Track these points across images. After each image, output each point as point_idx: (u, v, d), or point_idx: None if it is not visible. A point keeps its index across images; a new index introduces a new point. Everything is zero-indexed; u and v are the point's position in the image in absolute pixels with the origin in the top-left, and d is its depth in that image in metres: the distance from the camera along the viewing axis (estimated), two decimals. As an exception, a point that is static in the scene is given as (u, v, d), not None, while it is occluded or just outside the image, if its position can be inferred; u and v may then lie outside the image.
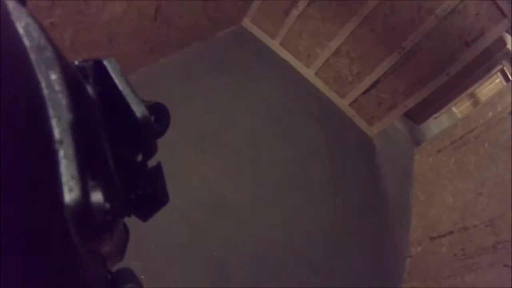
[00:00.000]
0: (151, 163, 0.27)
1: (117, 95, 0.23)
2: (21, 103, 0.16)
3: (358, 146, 2.86)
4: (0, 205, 0.13)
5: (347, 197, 2.46)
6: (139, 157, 0.26)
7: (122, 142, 0.24)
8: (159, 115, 0.28)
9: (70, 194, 0.17)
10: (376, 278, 2.17)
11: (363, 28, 2.47)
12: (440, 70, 2.33)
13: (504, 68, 4.51)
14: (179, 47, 2.13)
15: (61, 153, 0.17)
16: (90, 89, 0.23)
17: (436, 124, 4.77)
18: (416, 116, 4.25)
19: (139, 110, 0.24)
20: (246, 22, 2.81)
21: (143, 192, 0.26)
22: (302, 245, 1.96)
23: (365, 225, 2.41)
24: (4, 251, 0.13)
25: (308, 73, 2.75)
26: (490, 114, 2.33)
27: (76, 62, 0.23)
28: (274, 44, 2.79)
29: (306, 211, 2.12)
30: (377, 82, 2.57)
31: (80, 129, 0.19)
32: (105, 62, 0.23)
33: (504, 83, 4.88)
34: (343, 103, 2.74)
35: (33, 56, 0.18)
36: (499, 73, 4.90)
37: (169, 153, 1.62)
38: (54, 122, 0.17)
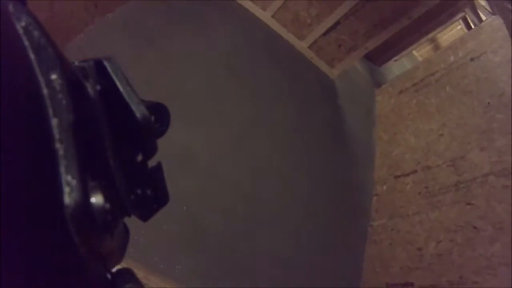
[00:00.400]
0: (151, 163, 0.27)
1: (117, 95, 0.23)
2: (21, 103, 0.16)
3: (320, 88, 2.80)
4: None
5: (312, 139, 2.44)
6: (139, 157, 0.26)
7: (122, 142, 0.24)
8: (159, 115, 0.28)
9: (70, 195, 0.17)
10: (346, 218, 2.23)
11: None
12: (402, 13, 2.29)
13: (466, 15, 4.48)
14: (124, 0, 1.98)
15: (61, 153, 0.17)
16: (90, 89, 0.23)
17: (397, 67, 4.71)
18: (377, 58, 4.16)
19: (139, 110, 0.24)
20: (200, -33, 2.65)
21: (143, 192, 0.26)
22: (272, 192, 1.96)
23: (332, 166, 2.42)
24: (4, 251, 0.13)
25: (265, 15, 2.63)
26: (452, 58, 2.35)
27: (76, 62, 0.23)
28: (228, -11, 2.65)
29: (272, 158, 2.10)
30: (337, 23, 2.51)
31: (80, 129, 0.19)
32: (105, 62, 0.23)
33: (466, 30, 4.81)
34: (302, 46, 2.66)
35: (32, 56, 0.18)
36: (460, 20, 4.86)
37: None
38: (54, 122, 0.17)
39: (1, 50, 0.15)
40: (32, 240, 0.15)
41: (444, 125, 2.15)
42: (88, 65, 0.23)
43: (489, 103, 1.94)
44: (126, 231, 0.28)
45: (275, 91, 2.44)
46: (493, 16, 2.26)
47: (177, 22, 2.26)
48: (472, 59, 2.20)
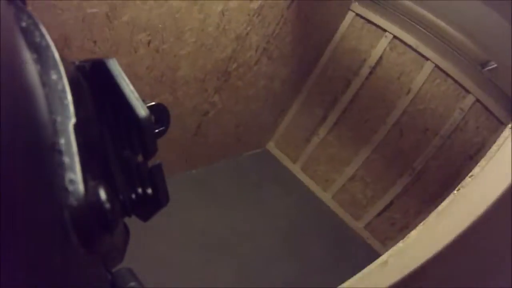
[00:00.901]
0: (152, 163, 0.27)
1: (118, 96, 0.23)
2: (22, 103, 0.16)
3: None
4: (0, 206, 0.13)
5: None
6: (140, 157, 0.26)
7: (122, 142, 0.24)
8: (160, 116, 0.28)
9: (70, 194, 0.17)
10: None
11: (376, 153, 2.58)
12: (448, 186, 2.34)
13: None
14: (209, 162, 2.36)
15: (61, 153, 0.17)
16: (90, 89, 0.23)
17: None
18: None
19: (139, 111, 0.24)
20: (271, 146, 3.02)
21: (143, 192, 0.26)
22: None
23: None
24: (4, 252, 0.13)
25: (326, 196, 2.85)
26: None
27: (77, 62, 0.23)
28: (295, 168, 2.94)
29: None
30: (390, 204, 2.64)
31: (81, 130, 0.19)
32: (106, 62, 0.23)
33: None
34: (358, 226, 2.76)
35: (33, 56, 0.18)
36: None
37: (175, 252, 1.69)
38: (54, 122, 0.17)
39: (1, 51, 0.15)
40: (32, 240, 0.15)
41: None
42: (89, 65, 0.23)
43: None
44: (126, 231, 0.28)
45: (323, 265, 2.33)
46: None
47: (246, 190, 2.51)
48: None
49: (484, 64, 2.12)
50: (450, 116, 2.27)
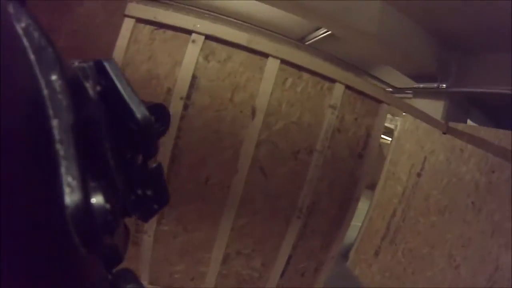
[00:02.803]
0: (152, 163, 0.27)
1: (117, 96, 0.23)
2: (21, 103, 0.16)
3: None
4: (0, 206, 0.13)
5: None
6: (140, 158, 0.26)
7: (122, 142, 0.24)
8: (160, 116, 0.28)
9: (70, 195, 0.17)
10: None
11: (242, 216, 1.79)
12: (347, 200, 1.95)
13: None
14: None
15: (61, 153, 0.17)
16: (90, 90, 0.23)
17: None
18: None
19: (139, 111, 0.24)
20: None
21: (143, 193, 0.26)
22: None
23: None
24: (5, 252, 0.13)
25: None
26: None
27: (76, 63, 0.23)
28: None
29: None
30: (289, 258, 2.00)
31: (80, 130, 0.19)
32: (105, 63, 0.23)
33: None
34: None
35: (33, 57, 0.18)
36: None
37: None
38: (54, 123, 0.17)
39: (1, 51, 0.15)
40: (32, 241, 0.15)
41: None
42: (88, 65, 0.23)
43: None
44: (126, 231, 0.28)
45: None
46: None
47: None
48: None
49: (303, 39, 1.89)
50: (322, 121, 1.69)
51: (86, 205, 0.18)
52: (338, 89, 1.68)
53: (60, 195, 0.17)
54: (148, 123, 0.25)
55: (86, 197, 0.18)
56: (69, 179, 0.17)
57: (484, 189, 2.13)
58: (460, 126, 2.43)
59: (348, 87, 1.69)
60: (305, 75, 1.62)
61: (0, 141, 0.13)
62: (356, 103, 1.76)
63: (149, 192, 0.26)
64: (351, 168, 1.87)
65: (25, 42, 0.18)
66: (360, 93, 1.75)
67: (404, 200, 2.82)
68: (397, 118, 3.33)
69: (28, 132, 0.16)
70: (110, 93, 0.23)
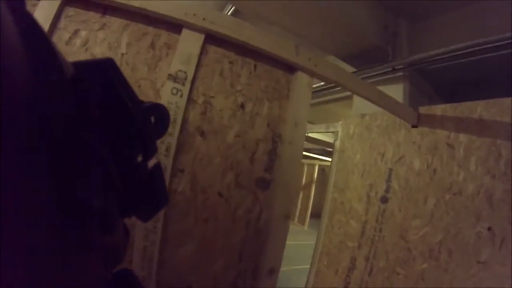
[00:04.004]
0: (151, 163, 0.27)
1: (116, 96, 0.23)
2: (20, 104, 0.16)
3: None
4: (0, 206, 0.13)
5: None
6: (139, 158, 0.26)
7: (122, 142, 0.24)
8: (159, 116, 0.28)
9: (70, 196, 0.17)
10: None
11: None
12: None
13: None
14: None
15: (61, 154, 0.17)
16: (89, 90, 0.23)
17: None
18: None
19: (138, 111, 0.24)
20: None
21: (143, 193, 0.26)
22: None
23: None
24: (5, 252, 0.13)
25: None
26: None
27: (76, 63, 0.23)
28: None
29: None
30: None
31: (80, 130, 0.19)
32: (105, 63, 0.23)
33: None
34: None
35: (32, 57, 0.18)
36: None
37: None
38: (54, 123, 0.17)
39: (1, 51, 0.15)
40: (32, 241, 0.15)
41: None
42: (88, 66, 0.23)
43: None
44: (126, 231, 0.28)
45: None
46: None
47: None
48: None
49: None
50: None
51: (86, 205, 0.18)
52: (189, 40, 0.86)
53: (59, 195, 0.17)
54: (147, 123, 0.25)
55: (86, 197, 0.18)
56: (69, 179, 0.17)
57: (503, 201, 1.24)
58: (438, 109, 1.50)
59: (211, 36, 0.89)
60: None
61: (0, 140, 0.13)
62: (239, 72, 0.94)
63: (148, 192, 0.26)
64: (253, 174, 0.98)
65: (25, 41, 0.18)
66: (244, 50, 0.93)
67: (365, 242, 1.72)
68: (335, 124, 2.22)
69: (27, 131, 0.16)
70: (109, 93, 0.23)
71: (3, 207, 0.13)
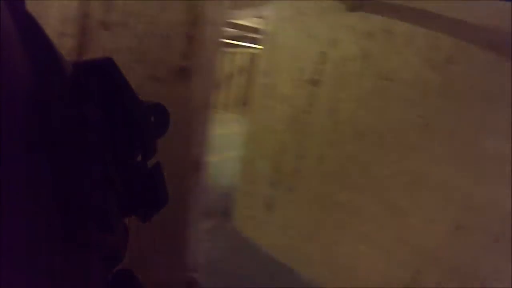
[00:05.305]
0: (151, 163, 0.27)
1: (116, 96, 0.23)
2: (20, 104, 0.16)
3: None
4: (0, 206, 0.13)
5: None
6: (139, 158, 0.26)
7: (122, 142, 0.24)
8: (159, 116, 0.28)
9: (70, 195, 0.17)
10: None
11: None
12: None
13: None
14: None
15: (61, 154, 0.17)
16: (89, 89, 0.23)
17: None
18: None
19: (138, 111, 0.24)
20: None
21: (143, 193, 0.26)
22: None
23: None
24: (6, 253, 0.13)
25: None
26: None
27: (76, 63, 0.23)
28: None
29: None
30: None
31: (79, 130, 0.19)
32: (105, 62, 0.23)
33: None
34: None
35: (32, 56, 0.18)
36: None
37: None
38: (53, 123, 0.17)
39: (1, 51, 0.15)
40: (33, 241, 0.15)
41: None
42: (88, 65, 0.23)
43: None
44: (126, 231, 0.28)
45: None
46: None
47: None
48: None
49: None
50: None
51: (86, 206, 0.18)
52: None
53: (59, 195, 0.17)
54: (147, 123, 0.25)
55: (86, 198, 0.18)
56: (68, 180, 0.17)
57: (439, 92, 1.24)
58: None
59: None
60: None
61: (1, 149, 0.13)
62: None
63: (148, 192, 0.26)
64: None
65: (25, 41, 0.18)
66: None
67: (295, 125, 1.66)
68: (266, 7, 1.95)
69: (26, 131, 0.16)
70: (109, 93, 0.23)
71: (3, 207, 0.13)
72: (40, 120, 0.17)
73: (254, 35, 3.95)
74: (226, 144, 3.90)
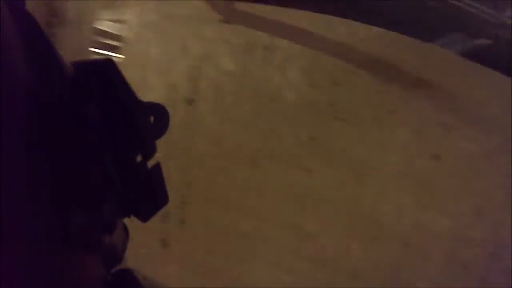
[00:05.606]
0: (150, 163, 0.27)
1: (116, 96, 0.23)
2: (20, 104, 0.16)
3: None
4: (0, 206, 0.13)
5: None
6: (138, 158, 0.26)
7: (121, 142, 0.24)
8: (158, 116, 0.28)
9: (70, 195, 0.17)
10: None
11: None
12: None
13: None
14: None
15: (60, 154, 0.17)
16: (88, 90, 0.23)
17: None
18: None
19: (137, 111, 0.24)
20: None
21: (142, 193, 0.26)
22: None
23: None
24: (4, 252, 0.13)
25: None
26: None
27: (75, 63, 0.23)
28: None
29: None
30: None
31: (79, 129, 0.19)
32: (104, 63, 0.23)
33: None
34: None
35: (32, 57, 0.18)
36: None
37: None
38: (53, 123, 0.17)
39: (1, 51, 0.15)
40: (30, 241, 0.15)
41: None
42: (88, 66, 0.23)
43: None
44: (125, 231, 0.28)
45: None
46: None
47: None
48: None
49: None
50: None
51: (85, 206, 0.18)
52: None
53: (59, 196, 0.17)
54: (147, 123, 0.25)
55: (85, 198, 0.18)
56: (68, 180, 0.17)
57: (328, 113, 1.20)
58: (257, 9, 1.28)
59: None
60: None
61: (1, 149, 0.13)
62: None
63: (148, 192, 0.27)
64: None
65: (24, 42, 0.18)
66: None
67: (175, 151, 1.39)
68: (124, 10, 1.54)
69: (27, 131, 0.16)
70: (108, 93, 0.23)
71: (3, 207, 0.13)
72: (40, 120, 0.17)
73: (112, 42, 3.65)
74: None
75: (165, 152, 0.98)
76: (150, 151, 0.26)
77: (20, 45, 0.16)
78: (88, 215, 0.19)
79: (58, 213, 0.17)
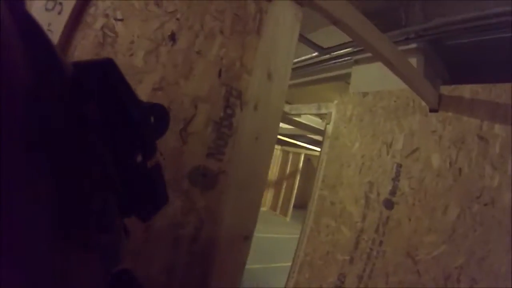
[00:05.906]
0: (151, 164, 0.27)
1: (116, 96, 0.23)
2: (20, 104, 0.16)
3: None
4: (0, 206, 0.13)
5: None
6: (139, 158, 0.26)
7: (121, 143, 0.24)
8: (158, 116, 0.28)
9: (70, 195, 0.17)
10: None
11: None
12: None
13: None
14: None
15: (60, 154, 0.17)
16: (89, 90, 0.23)
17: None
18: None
19: (137, 111, 0.24)
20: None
21: (142, 193, 0.26)
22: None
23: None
24: (4, 252, 0.13)
25: None
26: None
27: (76, 63, 0.23)
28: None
29: None
30: None
31: (79, 129, 0.19)
32: (105, 63, 0.23)
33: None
34: None
35: (32, 56, 0.18)
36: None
37: None
38: (53, 123, 0.17)
39: (1, 51, 0.15)
40: (33, 241, 0.15)
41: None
42: (88, 66, 0.23)
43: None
44: (126, 232, 0.28)
45: None
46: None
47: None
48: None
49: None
50: None
51: (85, 206, 0.18)
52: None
53: (58, 195, 0.17)
54: (147, 123, 0.25)
55: (85, 198, 0.18)
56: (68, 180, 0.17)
57: None
58: (467, 90, 1.07)
59: None
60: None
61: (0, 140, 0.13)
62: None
63: (148, 192, 0.26)
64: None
65: (24, 41, 0.18)
66: None
67: (359, 257, 1.27)
68: (328, 105, 1.73)
69: (27, 131, 0.16)
70: (109, 93, 0.23)
71: (3, 206, 0.13)
72: (40, 120, 0.17)
73: (312, 135, 3.43)
74: (274, 250, 3.55)
75: (348, 255, 1.05)
76: (150, 151, 0.26)
77: (20, 45, 0.16)
78: (88, 215, 0.19)
79: (58, 213, 0.17)
